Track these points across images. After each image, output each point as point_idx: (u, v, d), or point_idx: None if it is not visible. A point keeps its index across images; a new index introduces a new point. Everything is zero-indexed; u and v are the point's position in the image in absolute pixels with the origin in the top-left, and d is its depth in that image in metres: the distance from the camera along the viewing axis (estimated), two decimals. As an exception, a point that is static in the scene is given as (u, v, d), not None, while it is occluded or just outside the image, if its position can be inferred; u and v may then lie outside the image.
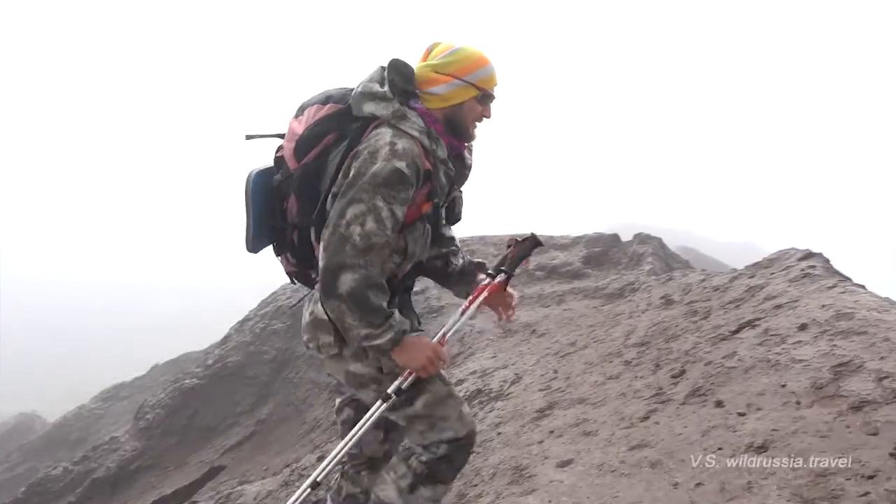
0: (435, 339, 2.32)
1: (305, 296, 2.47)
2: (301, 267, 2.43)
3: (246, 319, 14.49)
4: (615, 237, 11.55)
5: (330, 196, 2.18)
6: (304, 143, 2.20)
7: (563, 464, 3.48)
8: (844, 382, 3.07)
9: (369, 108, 2.16)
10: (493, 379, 6.27)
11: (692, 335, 4.68)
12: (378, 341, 2.10)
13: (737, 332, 4.24)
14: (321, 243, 2.11)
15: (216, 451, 11.42)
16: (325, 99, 2.25)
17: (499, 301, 2.61)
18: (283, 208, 2.32)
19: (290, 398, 12.10)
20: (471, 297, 2.52)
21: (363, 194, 2.05)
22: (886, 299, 3.94)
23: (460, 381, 7.15)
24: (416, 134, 2.15)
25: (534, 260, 10.81)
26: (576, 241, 11.67)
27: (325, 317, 2.20)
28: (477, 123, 2.34)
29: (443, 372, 2.34)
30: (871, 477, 2.36)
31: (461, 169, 2.43)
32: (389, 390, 2.23)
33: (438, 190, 2.29)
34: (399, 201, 2.10)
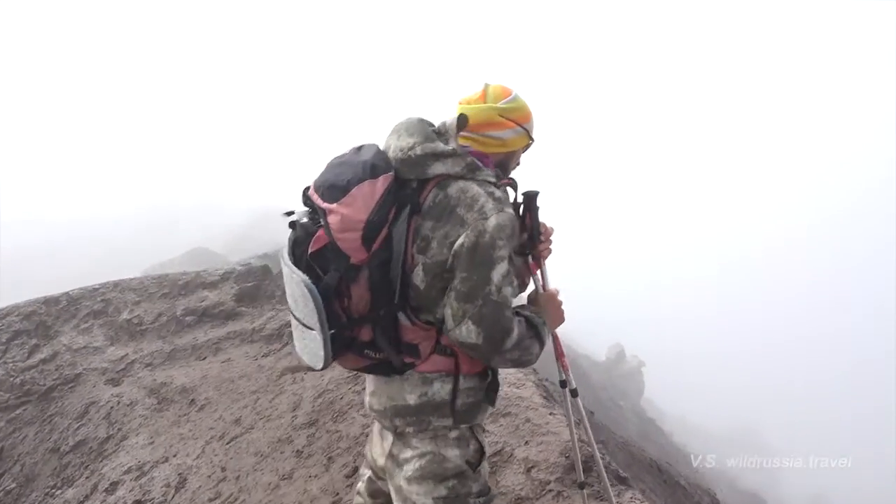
0: (547, 290, 2.30)
1: (387, 380, 2.17)
2: (387, 356, 2.12)
3: None
4: (265, 269, 11.30)
5: (422, 267, 1.97)
6: (374, 229, 1.96)
7: None
8: (500, 476, 3.34)
9: (438, 168, 2.00)
10: (153, 482, 5.59)
11: (357, 413, 4.72)
12: (546, 339, 2.12)
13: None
14: (456, 317, 1.93)
15: None
16: (371, 170, 1.99)
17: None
18: (344, 307, 2.03)
19: None
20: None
21: (498, 251, 1.91)
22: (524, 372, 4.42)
23: (114, 485, 6.26)
24: (493, 181, 2.04)
25: (182, 304, 9.71)
26: (225, 277, 11.05)
27: (446, 398, 2.04)
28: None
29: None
30: None
31: None
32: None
33: None
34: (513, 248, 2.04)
